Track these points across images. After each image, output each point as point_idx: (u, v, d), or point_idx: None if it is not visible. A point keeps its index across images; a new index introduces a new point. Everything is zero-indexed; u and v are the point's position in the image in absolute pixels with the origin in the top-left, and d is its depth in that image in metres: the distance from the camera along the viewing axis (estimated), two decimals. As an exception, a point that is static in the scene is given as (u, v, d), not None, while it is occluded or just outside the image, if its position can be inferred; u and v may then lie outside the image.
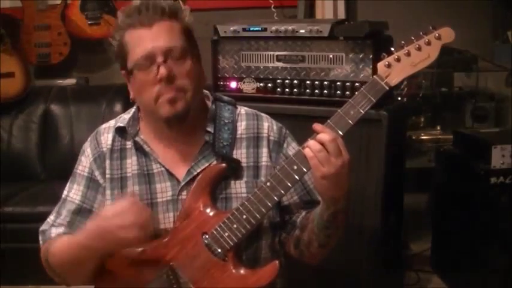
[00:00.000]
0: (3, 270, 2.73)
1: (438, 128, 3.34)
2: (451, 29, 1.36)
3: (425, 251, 3.03)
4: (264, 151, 1.53)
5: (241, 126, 1.55)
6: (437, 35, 1.36)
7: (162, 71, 1.38)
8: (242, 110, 1.59)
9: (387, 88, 1.36)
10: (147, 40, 1.39)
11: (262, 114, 1.60)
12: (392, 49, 1.38)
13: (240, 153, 1.51)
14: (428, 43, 1.36)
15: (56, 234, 1.50)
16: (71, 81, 3.78)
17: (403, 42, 1.38)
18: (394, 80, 1.36)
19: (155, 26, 1.40)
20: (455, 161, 2.77)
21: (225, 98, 1.60)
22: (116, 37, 1.45)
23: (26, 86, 3.47)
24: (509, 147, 2.44)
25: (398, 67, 1.36)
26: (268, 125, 1.56)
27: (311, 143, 1.31)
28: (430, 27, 1.38)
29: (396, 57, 1.36)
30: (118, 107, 3.38)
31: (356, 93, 1.36)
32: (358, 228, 2.22)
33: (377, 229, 2.25)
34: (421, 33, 1.38)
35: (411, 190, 2.91)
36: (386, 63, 1.36)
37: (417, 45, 1.36)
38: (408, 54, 1.36)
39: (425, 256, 3.01)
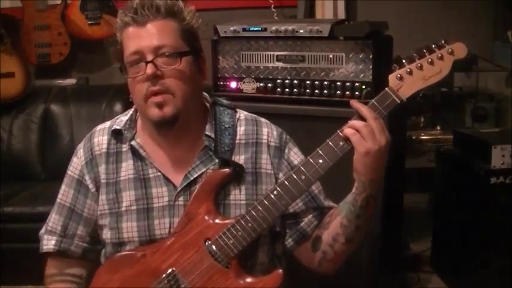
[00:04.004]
0: (3, 270, 2.72)
1: (438, 128, 3.34)
2: (464, 45, 1.33)
3: (425, 251, 3.03)
4: (264, 157, 1.49)
5: (240, 131, 1.51)
6: (450, 50, 1.32)
7: (149, 69, 1.36)
8: (241, 114, 1.55)
9: (398, 101, 1.33)
10: (138, 38, 1.39)
11: (262, 119, 1.56)
12: (403, 61, 1.34)
13: (239, 159, 1.47)
14: (441, 58, 1.32)
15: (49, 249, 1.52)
16: (71, 81, 3.76)
17: (414, 54, 1.33)
18: (405, 94, 1.33)
19: (148, 25, 1.38)
20: (456, 161, 2.77)
21: (225, 101, 1.56)
22: (118, 37, 1.44)
23: (26, 86, 3.46)
24: (509, 147, 2.44)
25: (410, 80, 1.32)
26: (268, 131, 1.52)
27: (353, 121, 1.30)
28: (442, 41, 1.34)
29: (408, 70, 1.32)
30: (118, 107, 3.37)
31: (368, 105, 1.33)
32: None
33: (377, 229, 2.25)
34: (433, 46, 1.34)
35: (411, 190, 2.91)
36: (398, 75, 1.33)
37: (430, 59, 1.32)
38: (421, 67, 1.32)
39: (425, 256, 3.01)
